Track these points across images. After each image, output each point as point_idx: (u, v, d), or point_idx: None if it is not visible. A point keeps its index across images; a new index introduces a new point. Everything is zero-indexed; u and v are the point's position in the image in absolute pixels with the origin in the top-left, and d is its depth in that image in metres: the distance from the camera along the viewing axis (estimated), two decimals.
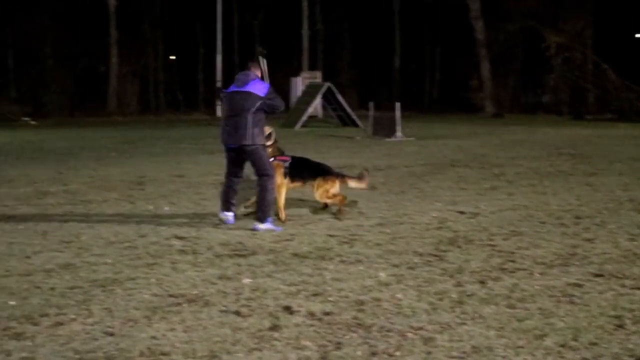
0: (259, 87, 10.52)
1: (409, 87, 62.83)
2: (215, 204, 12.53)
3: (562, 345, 5.65)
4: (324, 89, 38.69)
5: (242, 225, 10.62)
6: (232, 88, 10.65)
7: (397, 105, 28.40)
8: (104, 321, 6.25)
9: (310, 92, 39.52)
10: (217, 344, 5.70)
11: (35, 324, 6.19)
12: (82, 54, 54.93)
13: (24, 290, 7.29)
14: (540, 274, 7.81)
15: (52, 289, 7.32)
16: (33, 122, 45.56)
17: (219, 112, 54.74)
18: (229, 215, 10.87)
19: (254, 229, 10.27)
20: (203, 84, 62.58)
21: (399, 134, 28.25)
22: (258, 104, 10.42)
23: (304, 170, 11.42)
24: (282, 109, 10.92)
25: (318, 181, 11.32)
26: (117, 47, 54.90)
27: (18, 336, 5.88)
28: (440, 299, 6.87)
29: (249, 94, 10.45)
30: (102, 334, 5.93)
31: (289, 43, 61.24)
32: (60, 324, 6.20)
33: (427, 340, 5.77)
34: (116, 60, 54.93)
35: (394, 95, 55.64)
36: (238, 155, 10.65)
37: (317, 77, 48.88)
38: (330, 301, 6.82)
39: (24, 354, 5.49)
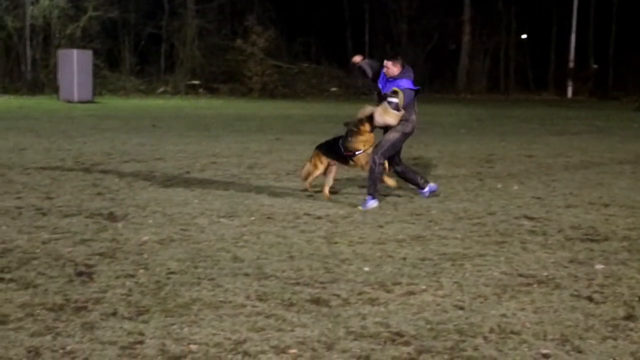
0: None
1: None
2: (565, 186, 12.28)
3: None
4: None
5: (593, 209, 10.29)
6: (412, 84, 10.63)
7: None
8: (453, 295, 6.31)
9: None
10: (569, 328, 5.55)
11: (388, 291, 6.38)
12: (434, 32, 55.74)
13: (377, 257, 7.53)
14: None
15: (404, 258, 7.50)
16: None
17: (569, 93, 53.49)
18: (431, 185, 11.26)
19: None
20: (554, 64, 61.16)
21: None
22: None
23: None
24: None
25: None
26: (470, 24, 55.12)
27: (372, 301, 6.09)
28: None
29: None
30: (452, 307, 5.99)
31: None
32: (411, 293, 6.34)
33: None
34: (468, 38, 55.19)
35: None
36: None
37: None
38: None
39: (377, 319, 5.66)
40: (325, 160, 10.93)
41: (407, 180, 11.27)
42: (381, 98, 10.56)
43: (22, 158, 14.71)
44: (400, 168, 11.09)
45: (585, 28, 58.73)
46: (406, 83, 10.44)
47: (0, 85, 42.76)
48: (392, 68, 10.47)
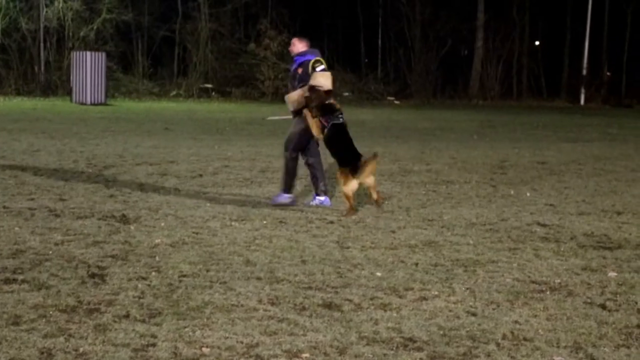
0: None
1: None
2: (578, 193, 12.25)
3: None
4: None
5: (606, 217, 10.27)
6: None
7: None
8: (466, 301, 6.30)
9: None
10: (582, 335, 5.53)
11: (400, 297, 6.37)
12: (447, 37, 55.64)
13: (390, 263, 7.52)
14: None
15: (416, 264, 7.49)
16: (397, 102, 47.09)
17: (582, 100, 53.35)
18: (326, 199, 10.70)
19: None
20: (567, 71, 60.92)
21: None
22: None
23: None
24: None
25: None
26: (483, 30, 55.06)
27: (384, 307, 6.08)
28: None
29: None
30: (464, 313, 5.97)
31: None
32: (424, 298, 6.33)
33: None
34: (481, 44, 55.12)
35: None
36: None
37: None
38: None
39: (390, 324, 5.66)
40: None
41: (312, 176, 10.73)
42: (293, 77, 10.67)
43: (35, 159, 14.75)
44: (312, 160, 10.65)
45: (599, 35, 58.50)
46: (313, 57, 10.45)
47: (14, 87, 42.87)
48: (297, 44, 10.59)
